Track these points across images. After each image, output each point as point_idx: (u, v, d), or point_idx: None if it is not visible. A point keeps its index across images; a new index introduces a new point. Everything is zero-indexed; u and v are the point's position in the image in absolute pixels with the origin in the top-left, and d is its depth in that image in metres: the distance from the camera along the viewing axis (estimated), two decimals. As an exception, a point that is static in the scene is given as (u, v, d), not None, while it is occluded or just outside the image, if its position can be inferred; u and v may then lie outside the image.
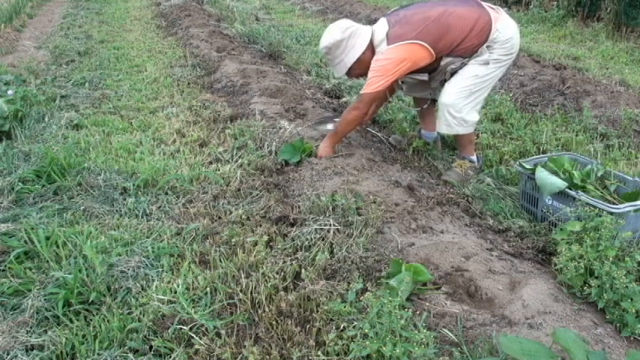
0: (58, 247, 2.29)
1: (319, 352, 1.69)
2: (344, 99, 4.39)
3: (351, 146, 3.28)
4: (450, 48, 2.77)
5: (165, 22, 8.29)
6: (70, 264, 2.17)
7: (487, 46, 2.78)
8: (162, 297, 1.97)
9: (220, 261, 2.21)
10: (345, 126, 3.03)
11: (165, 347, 1.78)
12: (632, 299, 1.76)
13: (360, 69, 2.89)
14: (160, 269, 2.18)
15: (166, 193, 2.84)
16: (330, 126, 3.45)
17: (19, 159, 3.17)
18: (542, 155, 2.86)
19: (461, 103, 2.82)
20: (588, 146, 3.39)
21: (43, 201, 2.75)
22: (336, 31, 2.85)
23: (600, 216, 2.09)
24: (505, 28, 2.78)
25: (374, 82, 2.79)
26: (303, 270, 2.08)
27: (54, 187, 2.87)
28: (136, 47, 6.53)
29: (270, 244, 2.33)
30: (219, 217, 2.59)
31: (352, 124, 3.04)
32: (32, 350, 1.78)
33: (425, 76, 2.97)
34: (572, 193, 2.31)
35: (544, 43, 6.47)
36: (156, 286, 2.04)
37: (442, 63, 2.86)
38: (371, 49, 2.85)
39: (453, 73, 2.90)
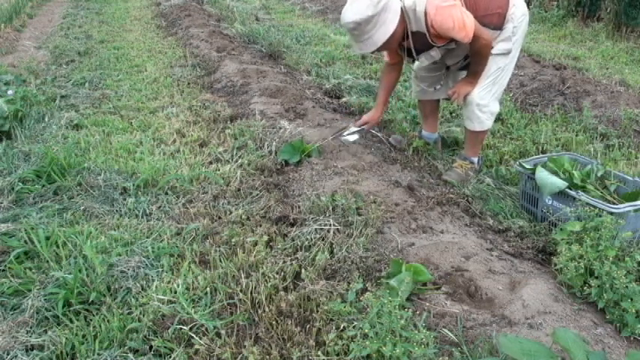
0: (58, 247, 2.29)
1: (319, 352, 1.69)
2: (344, 99, 4.39)
3: (351, 146, 3.28)
4: (478, 8, 2.70)
5: (166, 22, 8.28)
6: (70, 264, 2.17)
7: (514, 27, 2.78)
8: (163, 297, 1.98)
9: (220, 261, 2.21)
10: (485, 60, 2.82)
11: (165, 347, 1.78)
12: (632, 299, 1.76)
13: (388, 44, 2.66)
14: (160, 269, 2.18)
15: (166, 193, 2.84)
16: (354, 136, 3.30)
17: (19, 159, 3.17)
18: (542, 155, 2.86)
19: (487, 97, 2.87)
20: (588, 146, 3.39)
21: (43, 201, 2.75)
22: (367, 4, 2.53)
23: (600, 216, 2.09)
24: (520, 3, 2.82)
25: (459, 20, 2.55)
26: (303, 270, 2.08)
27: (54, 187, 2.87)
28: (136, 47, 6.52)
29: (270, 244, 2.33)
30: (219, 217, 2.59)
31: (488, 52, 2.81)
32: (32, 350, 1.78)
33: (452, 44, 2.83)
34: (572, 193, 2.31)
35: (544, 43, 6.47)
36: (156, 286, 2.05)
37: None
38: (402, 21, 2.63)
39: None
